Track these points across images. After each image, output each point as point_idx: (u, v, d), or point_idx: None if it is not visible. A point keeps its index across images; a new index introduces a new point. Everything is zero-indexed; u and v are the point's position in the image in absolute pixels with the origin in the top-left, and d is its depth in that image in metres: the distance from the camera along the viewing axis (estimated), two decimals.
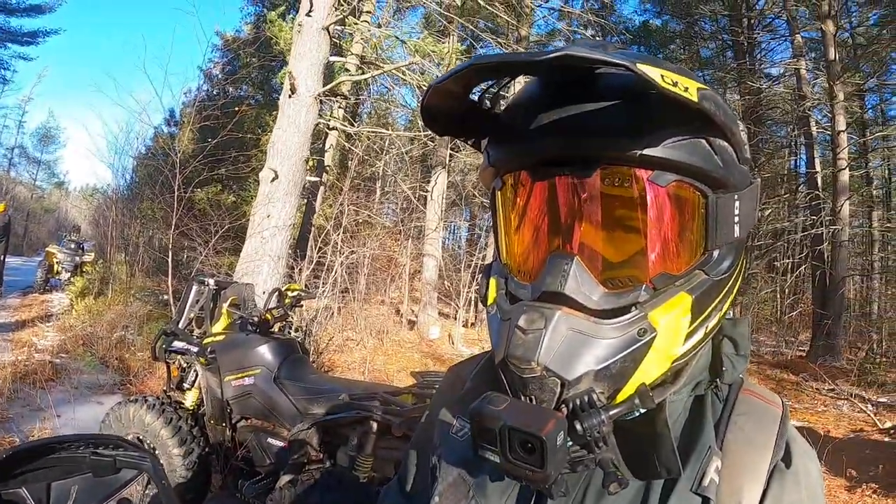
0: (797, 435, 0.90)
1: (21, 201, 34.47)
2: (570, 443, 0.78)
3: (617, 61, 0.67)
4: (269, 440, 4.16)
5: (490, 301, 0.94)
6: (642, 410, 0.83)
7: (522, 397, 0.80)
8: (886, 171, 22.27)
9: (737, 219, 0.86)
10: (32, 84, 58.00)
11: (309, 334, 8.23)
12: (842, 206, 14.62)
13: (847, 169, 14.85)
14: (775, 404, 0.93)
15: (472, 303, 16.54)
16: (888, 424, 8.14)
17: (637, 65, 0.67)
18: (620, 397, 0.81)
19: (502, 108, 0.93)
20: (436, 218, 15.58)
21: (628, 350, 0.79)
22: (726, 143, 0.83)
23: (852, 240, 16.58)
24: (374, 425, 3.55)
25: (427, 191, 16.10)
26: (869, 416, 8.70)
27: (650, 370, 0.82)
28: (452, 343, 13.82)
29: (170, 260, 9.91)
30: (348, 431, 3.67)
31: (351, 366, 10.06)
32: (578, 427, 0.76)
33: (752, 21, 20.14)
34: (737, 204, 0.85)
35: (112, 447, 1.30)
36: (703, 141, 0.81)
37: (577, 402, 0.78)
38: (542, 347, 0.78)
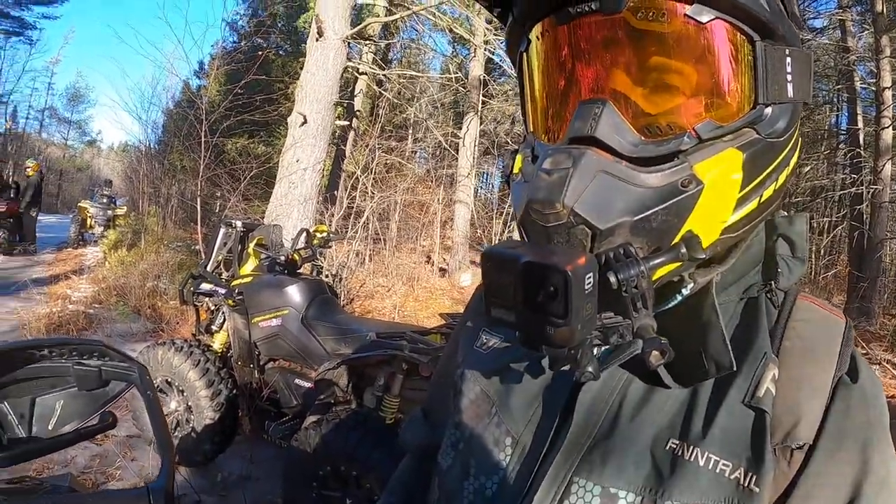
0: (861, 355, 0.79)
1: (53, 161, 34.90)
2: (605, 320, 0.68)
3: None
4: (297, 381, 4.19)
5: (514, 172, 0.83)
6: (690, 287, 0.74)
7: None
8: None
9: (789, 77, 0.74)
10: (60, 46, 59.08)
11: (340, 279, 8.24)
12: (883, 166, 14.17)
13: (890, 128, 14.35)
14: (838, 314, 0.82)
15: None
16: None
17: None
18: None
19: None
20: (468, 165, 15.38)
21: (671, 201, 0.69)
22: None
23: (893, 202, 16.15)
24: (402, 365, 3.50)
25: (459, 137, 15.89)
26: None
27: (700, 230, 0.72)
28: None
29: (198, 207, 9.96)
30: (375, 371, 3.65)
31: (382, 312, 10.14)
32: (612, 279, 0.65)
33: None
34: (788, 60, 0.74)
35: (97, 355, 1.22)
36: None
37: (612, 254, 0.67)
38: (568, 187, 0.68)
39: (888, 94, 14.24)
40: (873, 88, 15.30)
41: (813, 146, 20.83)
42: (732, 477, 0.69)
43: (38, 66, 51.28)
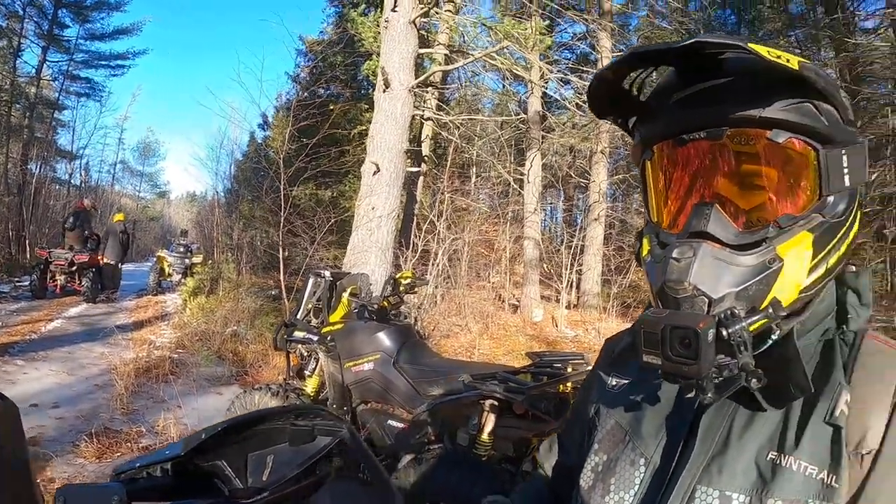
0: None
1: (127, 211, 36.39)
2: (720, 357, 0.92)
3: (734, 42, 0.90)
4: (389, 422, 4.28)
5: (644, 254, 1.12)
6: (778, 333, 0.97)
7: None
8: None
9: (846, 170, 0.99)
10: (128, 103, 61.74)
11: (415, 321, 8.38)
12: None
13: None
14: None
15: (574, 284, 16.54)
16: None
17: (749, 45, 0.88)
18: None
19: (646, 95, 1.12)
20: (533, 200, 15.58)
21: (762, 275, 0.96)
22: (830, 107, 0.98)
23: None
24: (495, 404, 3.62)
25: (523, 174, 16.10)
26: None
27: (782, 294, 0.97)
28: (556, 326, 13.82)
29: (281, 256, 10.31)
30: (469, 411, 3.75)
31: (458, 351, 10.23)
32: (724, 333, 0.90)
33: None
34: (844, 158, 0.99)
35: (311, 417, 1.43)
36: (810, 104, 0.97)
37: (722, 315, 0.92)
38: (692, 271, 0.95)
39: None
40: None
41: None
42: (818, 478, 0.90)
43: (108, 122, 53.93)
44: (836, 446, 0.91)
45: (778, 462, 0.93)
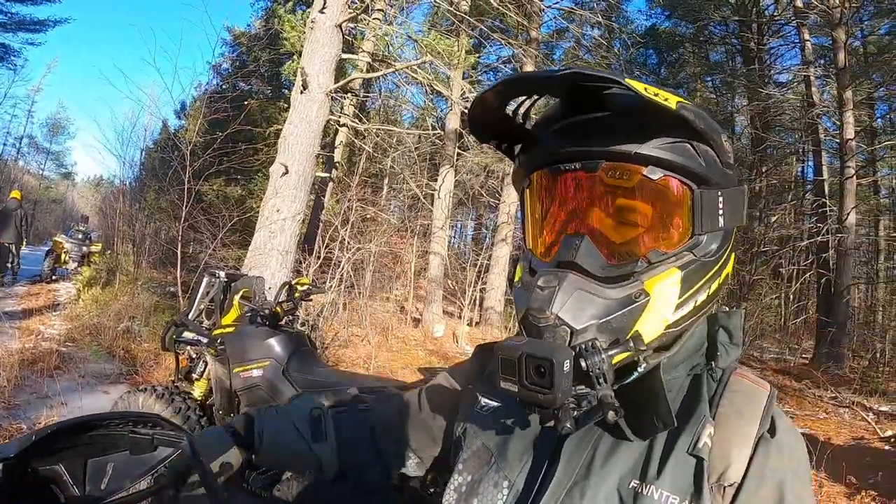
0: (783, 414, 1.02)
1: (29, 190, 34.51)
2: (579, 386, 0.93)
3: (610, 76, 0.90)
4: None
5: (516, 279, 1.11)
6: (644, 366, 0.99)
7: None
8: (894, 181, 22.19)
9: (721, 211, 1.02)
10: (42, 75, 59.22)
11: (315, 329, 8.26)
12: (848, 214, 14.62)
13: (854, 177, 14.84)
14: (764, 386, 1.05)
15: (477, 302, 16.77)
16: (889, 433, 8.17)
17: (626, 79, 0.88)
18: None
19: (532, 123, 1.11)
20: (442, 216, 15.67)
21: (626, 308, 0.96)
22: (708, 149, 1.00)
23: (858, 248, 16.54)
24: None
25: (434, 189, 16.26)
26: (870, 424, 8.73)
27: (646, 328, 0.98)
28: (457, 342, 13.91)
29: (178, 252, 9.96)
30: None
31: (355, 362, 10.11)
32: (583, 364, 0.91)
33: (762, 26, 20.16)
34: (720, 199, 1.02)
35: (151, 425, 1.35)
36: (688, 145, 0.99)
37: (583, 346, 0.93)
38: (555, 300, 0.95)
39: (851, 144, 14.73)
40: (837, 140, 15.75)
41: (780, 196, 21.31)
42: None
43: (19, 92, 50.85)
44: (697, 477, 0.92)
45: (640, 490, 0.94)
